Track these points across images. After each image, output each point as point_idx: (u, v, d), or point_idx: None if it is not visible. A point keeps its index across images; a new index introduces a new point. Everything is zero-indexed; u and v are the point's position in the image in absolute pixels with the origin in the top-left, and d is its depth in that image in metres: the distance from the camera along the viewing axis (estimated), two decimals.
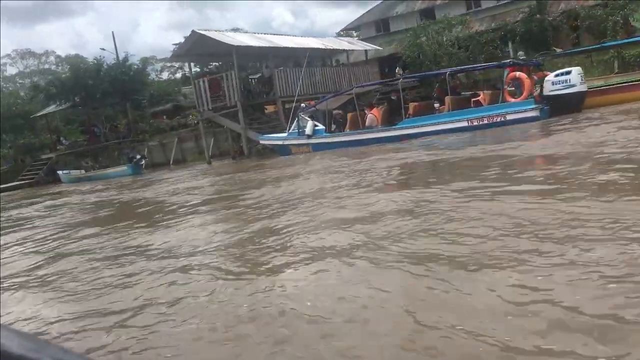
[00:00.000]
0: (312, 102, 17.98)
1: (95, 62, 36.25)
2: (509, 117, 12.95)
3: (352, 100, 17.21)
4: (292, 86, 23.87)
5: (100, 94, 35.28)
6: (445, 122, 13.95)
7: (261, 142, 19.89)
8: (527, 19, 24.55)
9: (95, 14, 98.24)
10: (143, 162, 25.36)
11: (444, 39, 24.37)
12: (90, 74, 35.48)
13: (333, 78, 26.93)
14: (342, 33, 43.99)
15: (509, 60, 13.62)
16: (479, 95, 14.06)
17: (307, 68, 25.74)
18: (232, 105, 22.55)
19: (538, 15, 24.48)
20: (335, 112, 17.47)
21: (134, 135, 36.03)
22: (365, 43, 31.20)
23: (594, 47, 18.69)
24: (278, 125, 23.59)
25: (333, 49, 28.24)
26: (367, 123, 15.79)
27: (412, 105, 15.56)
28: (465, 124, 13.62)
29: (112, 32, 76.36)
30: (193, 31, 21.78)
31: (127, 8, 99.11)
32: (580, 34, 24.92)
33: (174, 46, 63.61)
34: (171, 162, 32.63)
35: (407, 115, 15.27)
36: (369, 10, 42.60)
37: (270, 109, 27.12)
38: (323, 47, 26.81)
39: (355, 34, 44.22)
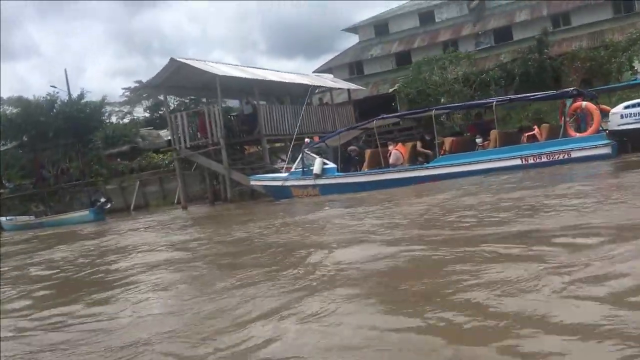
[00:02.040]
0: (317, 138, 15.64)
1: (48, 97, 32.95)
2: (574, 155, 10.95)
3: (360, 137, 15.00)
4: (277, 124, 21.56)
5: (53, 132, 31.98)
6: (491, 160, 11.82)
7: (252, 183, 17.30)
8: (525, 58, 23.32)
9: (39, 59, 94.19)
10: (108, 205, 22.17)
11: (448, 75, 22.74)
12: (42, 111, 32.21)
13: (317, 117, 24.80)
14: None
15: (572, 89, 11.73)
16: (533, 129, 12.08)
17: (292, 105, 23.61)
18: (214, 142, 19.96)
19: (537, 55, 23.28)
20: (350, 148, 15.14)
21: (88, 178, 32.65)
22: (348, 83, 29.33)
23: None
24: (264, 166, 21.15)
25: (315, 86, 26.25)
26: (391, 161, 13.51)
27: (447, 140, 13.42)
28: (518, 162, 11.53)
29: (65, 69, 73.37)
30: (172, 59, 19.28)
31: (73, 53, 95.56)
32: (579, 76, 23.81)
33: (124, 90, 61.49)
34: (132, 207, 29.41)
35: (441, 152, 13.11)
36: (342, 52, 41.23)
37: (249, 149, 24.65)
38: (309, 83, 24.75)
39: None
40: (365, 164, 14.10)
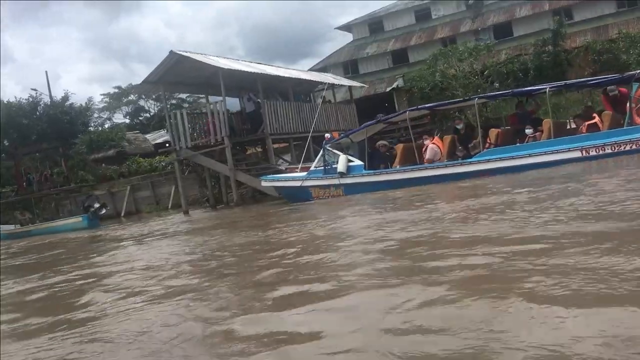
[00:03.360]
0: (336, 134, 14.32)
1: (31, 99, 31.15)
2: None
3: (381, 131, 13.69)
4: (281, 122, 20.20)
5: (36, 136, 30.22)
6: (547, 153, 10.60)
7: (265, 184, 15.87)
8: (540, 51, 22.29)
9: (13, 65, 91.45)
10: (104, 211, 20.57)
11: (466, 67, 21.55)
12: (24, 113, 30.41)
13: (321, 115, 23.47)
14: None
15: (637, 71, 10.55)
16: (593, 117, 10.87)
17: (295, 102, 22.28)
18: (217, 142, 18.52)
19: (550, 47, 22.26)
20: (380, 143, 13.79)
21: (73, 183, 30.90)
22: (349, 80, 28.11)
23: None
24: (269, 167, 19.76)
25: (316, 82, 24.95)
26: (428, 156, 12.19)
27: (492, 132, 12.15)
28: (577, 154, 10.32)
29: (46, 71, 71.04)
30: (171, 52, 17.80)
31: (48, 59, 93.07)
32: (594, 69, 22.84)
33: (102, 96, 59.54)
34: (123, 213, 27.77)
35: (486, 145, 11.86)
36: (337, 51, 40.00)
37: (250, 150, 23.26)
38: (312, 79, 23.51)
39: None
40: (397, 160, 12.77)
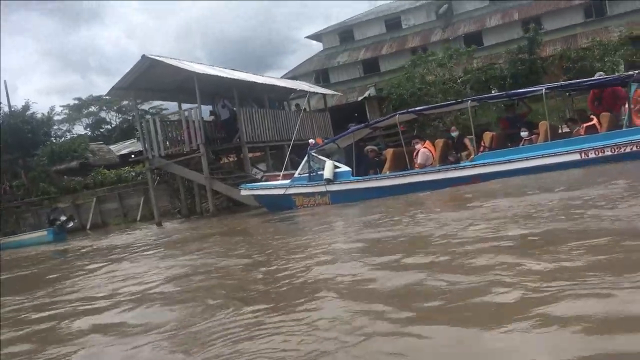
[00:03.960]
0: (320, 140, 13.78)
1: None
2: None
3: (366, 137, 13.21)
4: (257, 130, 19.59)
5: None
6: (544, 156, 10.27)
7: (244, 193, 15.19)
8: (515, 59, 22.27)
9: None
10: (71, 224, 19.50)
11: (447, 73, 21.30)
12: None
13: (296, 123, 22.97)
14: None
15: (635, 72, 10.33)
16: (591, 119, 10.58)
17: (271, 110, 21.70)
18: (192, 150, 17.78)
19: (526, 55, 22.27)
20: (368, 147, 13.29)
21: (34, 196, 29.54)
22: (324, 89, 27.73)
23: None
24: (246, 176, 19.11)
25: (290, 90, 24.45)
26: (419, 161, 11.74)
27: (487, 135, 11.77)
28: (576, 157, 10.01)
29: (5, 80, 68.51)
30: (143, 56, 17.03)
31: (5, 70, 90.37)
32: (569, 77, 22.93)
33: (62, 108, 57.79)
34: (88, 226, 26.53)
35: (481, 149, 11.48)
36: (307, 60, 39.63)
37: (230, 158, 22.59)
38: (287, 86, 23.01)
39: None
40: (387, 166, 12.29)
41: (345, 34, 39.76)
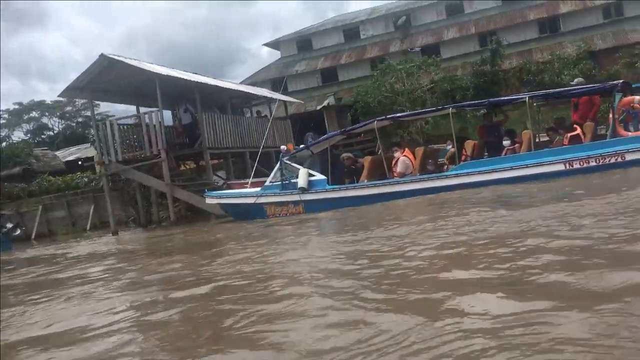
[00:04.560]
0: (291, 146, 13.26)
1: None
2: (629, 157, 9.42)
3: (338, 144, 12.79)
4: (219, 136, 18.89)
5: None
6: (528, 166, 10.06)
7: (210, 201, 14.46)
8: (478, 70, 22.40)
9: None
10: (18, 232, 18.19)
11: (416, 82, 21.14)
12: None
13: (258, 130, 22.40)
14: None
15: (620, 81, 10.26)
16: (575, 129, 10.44)
17: (233, 116, 21.04)
18: (153, 155, 16.91)
19: (488, 67, 22.46)
20: (344, 155, 12.82)
21: None
22: (285, 96, 27.26)
23: None
24: (207, 183, 18.36)
25: (250, 97, 23.82)
26: (399, 169, 11.36)
27: (469, 144, 11.49)
28: (560, 167, 9.85)
29: None
30: (102, 55, 16.09)
31: None
32: (530, 89, 23.27)
33: (1, 112, 55.22)
34: (33, 236, 24.99)
35: (462, 158, 11.20)
36: (264, 68, 39.10)
37: (189, 164, 21.73)
38: (250, 92, 22.43)
39: None
40: (364, 174, 11.86)
41: (303, 42, 39.43)
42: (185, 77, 17.56)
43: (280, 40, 40.08)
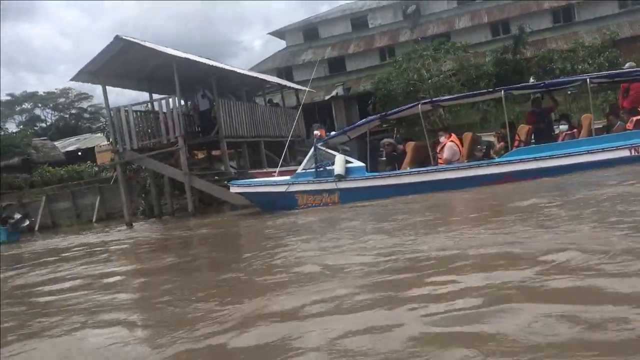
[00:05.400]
0: (323, 132, 12.49)
1: None
2: None
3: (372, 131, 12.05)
4: (235, 124, 18.12)
5: None
6: (590, 152, 9.38)
7: (235, 191, 13.70)
8: (499, 58, 21.67)
9: None
10: (27, 223, 17.38)
11: (442, 67, 20.39)
12: None
13: (272, 118, 21.68)
14: None
15: None
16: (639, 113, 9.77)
17: (248, 104, 20.28)
18: (169, 142, 16.13)
19: (510, 55, 21.74)
20: (385, 141, 12.08)
21: None
22: (297, 85, 26.54)
23: None
24: (223, 173, 17.64)
25: (263, 83, 23.04)
26: (445, 155, 10.65)
27: (523, 128, 10.77)
28: (625, 153, 9.18)
29: None
30: (117, 37, 15.26)
31: None
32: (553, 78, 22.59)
33: None
34: (37, 227, 24.09)
35: (515, 144, 10.49)
36: (270, 57, 38.25)
37: (199, 154, 20.93)
38: (266, 78, 21.69)
39: None
40: (407, 161, 11.13)
41: (309, 31, 38.57)
42: (203, 61, 16.78)
43: (286, 29, 39.20)
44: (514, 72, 21.71)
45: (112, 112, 16.30)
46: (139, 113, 17.01)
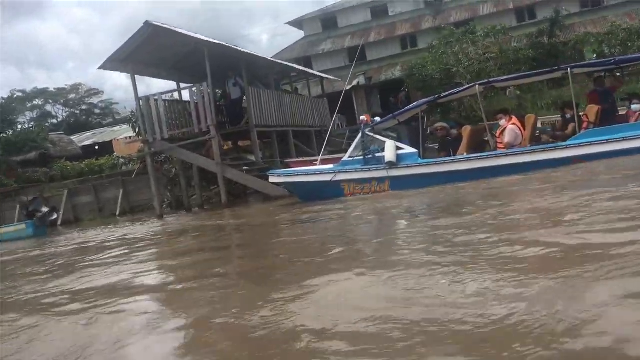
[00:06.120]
0: (368, 117, 11.84)
1: None
2: None
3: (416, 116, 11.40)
4: (265, 113, 17.53)
5: None
6: None
7: (274, 180, 13.12)
8: (535, 42, 20.90)
9: None
10: (54, 216, 16.91)
11: (480, 51, 19.66)
12: None
13: (300, 108, 21.10)
14: None
15: None
16: None
17: (277, 93, 19.69)
18: (201, 132, 15.57)
19: (546, 39, 20.97)
20: (437, 125, 11.43)
21: None
22: (321, 74, 25.98)
23: None
24: (254, 163, 17.08)
25: (290, 69, 22.41)
26: (506, 139, 9.98)
27: (592, 109, 10.07)
28: None
29: None
30: (146, 23, 14.68)
31: None
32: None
33: (3, 100, 53.64)
34: (59, 222, 23.62)
35: (584, 125, 9.82)
36: (288, 47, 37.60)
37: (225, 144, 20.34)
38: (296, 66, 21.12)
39: None
40: (463, 146, 10.48)
41: (328, 20, 37.91)
42: (233, 47, 16.19)
43: (304, 18, 38.53)
44: (549, 56, 20.94)
45: (141, 101, 15.71)
46: (167, 103, 16.44)
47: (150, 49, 15.65)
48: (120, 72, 15.92)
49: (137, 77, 16.25)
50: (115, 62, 15.34)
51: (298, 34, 39.54)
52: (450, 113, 18.04)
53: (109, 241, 11.35)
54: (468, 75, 18.60)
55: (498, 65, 19.20)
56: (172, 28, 14.97)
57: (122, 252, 8.79)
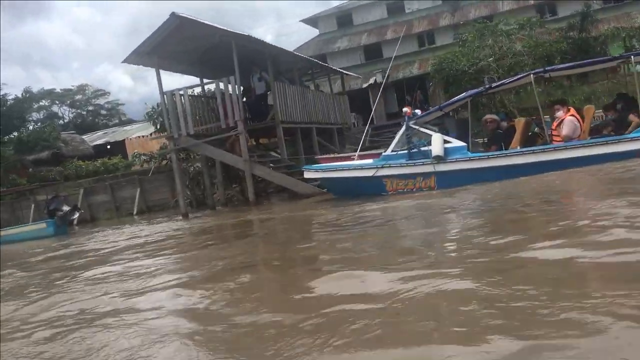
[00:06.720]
0: (409, 109, 11.26)
1: None
2: None
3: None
4: (290, 109, 17.02)
5: None
6: None
7: (309, 175, 12.60)
8: (565, 36, 20.32)
9: None
10: (76, 215, 16.41)
11: (516, 44, 19.10)
12: None
13: (322, 104, 20.61)
14: None
15: None
16: None
17: (301, 88, 19.19)
18: (228, 127, 15.05)
19: (576, 33, 20.38)
20: (487, 117, 10.84)
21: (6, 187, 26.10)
22: (341, 70, 25.50)
23: None
24: (280, 160, 16.58)
25: (313, 64, 21.89)
26: (565, 132, 9.40)
27: None
28: None
29: None
30: (173, 14, 14.17)
31: None
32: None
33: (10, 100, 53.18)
34: (76, 222, 23.09)
35: None
36: (303, 45, 37.05)
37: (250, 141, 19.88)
38: (319, 62, 20.63)
39: None
40: (516, 139, 9.89)
41: (343, 18, 37.36)
42: (260, 38, 15.69)
43: (318, 16, 38.01)
44: (580, 51, 20.35)
45: (165, 96, 15.20)
46: (191, 98, 15.94)
47: (174, 42, 15.15)
48: (145, 65, 15.41)
49: (140, 78, 15.86)
50: (140, 55, 14.85)
51: (305, 33, 39.16)
52: (479, 109, 17.43)
53: (157, 241, 10.69)
54: (500, 69, 18.01)
55: (532, 59, 18.58)
56: (199, 20, 14.46)
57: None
